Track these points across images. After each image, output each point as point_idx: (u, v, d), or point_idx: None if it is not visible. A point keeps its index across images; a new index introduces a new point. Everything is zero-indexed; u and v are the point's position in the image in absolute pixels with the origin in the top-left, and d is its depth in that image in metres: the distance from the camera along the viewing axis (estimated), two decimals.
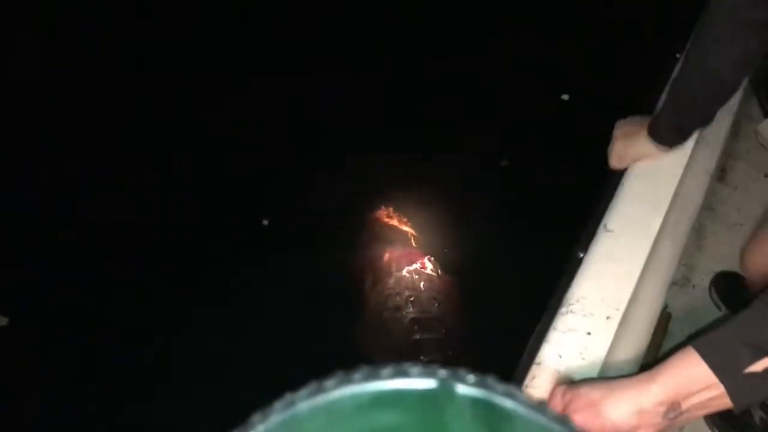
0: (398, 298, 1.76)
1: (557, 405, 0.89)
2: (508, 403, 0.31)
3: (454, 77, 2.38)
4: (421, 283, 1.80)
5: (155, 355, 1.82)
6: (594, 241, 1.22)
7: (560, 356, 1.08)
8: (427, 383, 0.31)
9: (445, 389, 0.31)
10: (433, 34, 2.53)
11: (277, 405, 0.31)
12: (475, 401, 0.31)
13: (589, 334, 1.10)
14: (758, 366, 0.75)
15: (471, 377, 0.31)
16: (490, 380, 0.31)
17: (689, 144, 1.35)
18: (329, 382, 0.31)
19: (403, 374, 0.31)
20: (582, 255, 1.21)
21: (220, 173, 2.19)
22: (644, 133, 1.29)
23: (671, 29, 1.56)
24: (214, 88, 2.38)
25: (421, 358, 1.66)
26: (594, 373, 1.05)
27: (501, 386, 0.31)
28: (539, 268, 1.82)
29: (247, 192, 2.15)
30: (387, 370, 0.31)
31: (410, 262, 1.85)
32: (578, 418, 0.83)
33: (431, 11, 2.57)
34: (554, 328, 1.12)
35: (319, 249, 1.94)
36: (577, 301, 1.14)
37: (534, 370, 1.07)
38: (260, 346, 1.76)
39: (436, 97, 2.33)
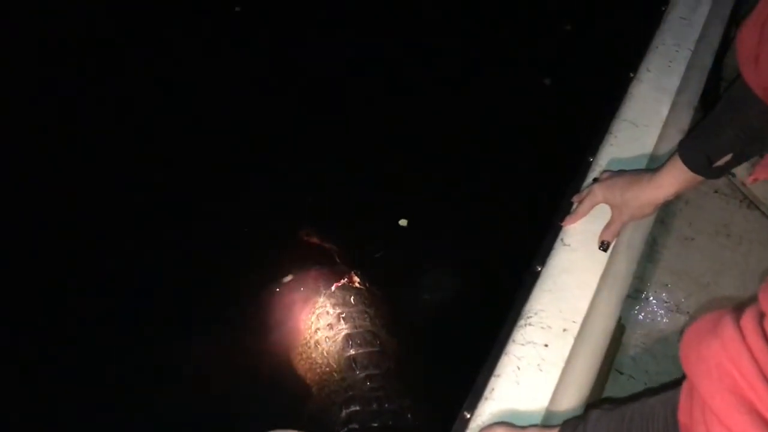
0: (329, 316, 1.75)
1: None
2: None
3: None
4: (351, 298, 1.79)
5: None
6: (551, 254, 1.25)
7: (518, 368, 1.09)
8: None
9: None
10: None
11: None
12: None
13: (546, 346, 1.12)
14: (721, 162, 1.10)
15: None
16: None
17: (642, 159, 1.39)
18: None
19: None
20: (540, 268, 1.23)
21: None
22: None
23: None
24: None
25: (358, 373, 1.65)
26: (551, 386, 1.06)
27: None
28: (469, 274, 1.84)
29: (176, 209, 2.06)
30: None
31: (337, 278, 1.84)
32: None
33: None
34: (513, 340, 1.13)
35: (242, 278, 1.88)
36: (535, 313, 1.16)
37: (493, 382, 1.09)
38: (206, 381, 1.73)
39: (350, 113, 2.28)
